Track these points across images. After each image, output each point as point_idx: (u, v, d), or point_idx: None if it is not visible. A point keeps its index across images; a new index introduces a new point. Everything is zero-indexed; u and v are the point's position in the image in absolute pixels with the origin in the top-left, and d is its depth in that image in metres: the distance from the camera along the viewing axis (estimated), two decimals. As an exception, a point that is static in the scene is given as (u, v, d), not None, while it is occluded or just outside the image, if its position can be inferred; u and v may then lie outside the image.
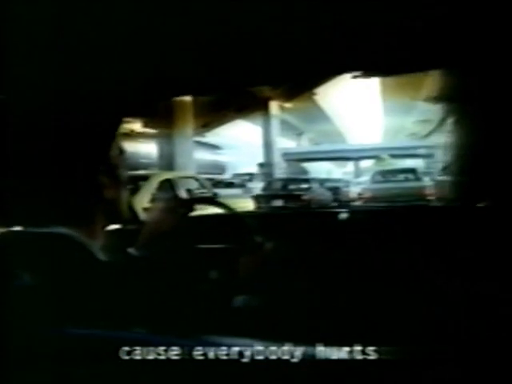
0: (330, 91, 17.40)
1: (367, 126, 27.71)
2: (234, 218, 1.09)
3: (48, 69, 0.61)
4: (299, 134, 27.95)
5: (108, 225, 0.70)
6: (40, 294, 0.46)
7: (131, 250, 0.80)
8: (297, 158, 22.27)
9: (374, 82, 16.71)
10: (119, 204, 0.72)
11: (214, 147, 21.78)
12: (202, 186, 7.60)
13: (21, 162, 0.58)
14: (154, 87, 0.77)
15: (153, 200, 5.23)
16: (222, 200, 1.12)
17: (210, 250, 1.12)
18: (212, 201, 1.13)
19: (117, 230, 0.93)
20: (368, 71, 0.81)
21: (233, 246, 1.06)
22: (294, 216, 1.66)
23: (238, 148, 24.08)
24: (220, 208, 1.09)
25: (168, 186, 6.30)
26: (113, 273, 0.54)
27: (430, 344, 0.36)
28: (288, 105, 18.48)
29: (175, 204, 0.99)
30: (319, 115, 22.36)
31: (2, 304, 0.43)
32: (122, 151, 0.73)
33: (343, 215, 1.32)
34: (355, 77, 0.82)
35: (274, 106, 18.01)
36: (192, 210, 1.02)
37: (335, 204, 10.46)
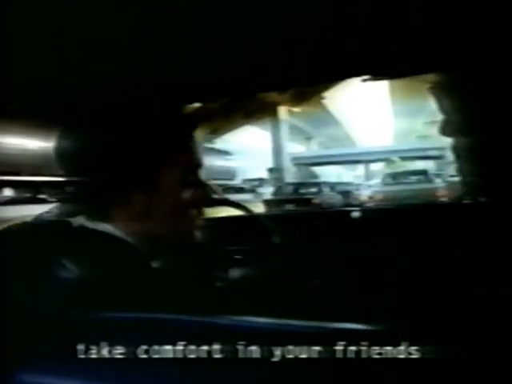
0: (339, 95, 17.35)
1: (376, 129, 27.56)
2: (251, 219, 1.10)
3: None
4: (308, 138, 27.89)
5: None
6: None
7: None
8: (306, 163, 22.24)
9: (383, 85, 16.63)
10: None
11: (223, 153, 21.84)
12: (213, 192, 7.66)
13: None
14: (165, 95, 0.78)
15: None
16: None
17: (229, 251, 1.14)
18: (230, 203, 1.14)
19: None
20: (376, 74, 0.80)
21: (250, 247, 1.07)
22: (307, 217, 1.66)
23: (248, 153, 24.14)
24: (238, 210, 1.11)
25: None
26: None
27: (443, 343, 0.35)
28: (296, 109, 18.46)
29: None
30: (328, 119, 22.32)
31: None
32: None
33: (355, 214, 1.32)
34: (364, 80, 0.82)
35: (283, 111, 18.00)
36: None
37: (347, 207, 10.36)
